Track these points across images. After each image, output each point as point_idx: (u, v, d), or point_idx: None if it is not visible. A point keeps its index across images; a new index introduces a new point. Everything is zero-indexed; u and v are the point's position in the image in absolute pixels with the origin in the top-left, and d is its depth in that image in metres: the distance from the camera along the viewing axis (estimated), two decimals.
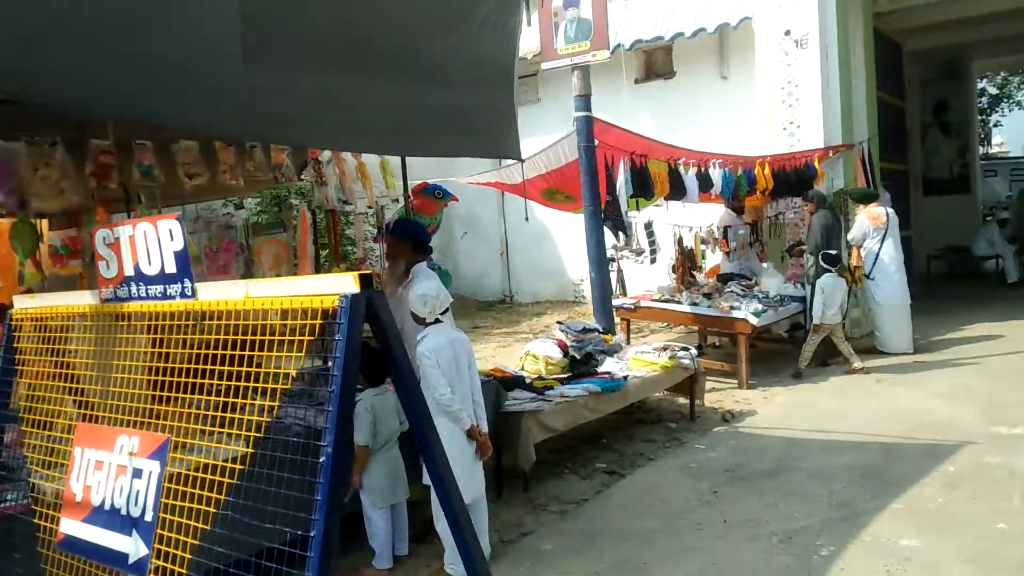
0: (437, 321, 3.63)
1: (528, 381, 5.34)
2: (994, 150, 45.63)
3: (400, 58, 3.31)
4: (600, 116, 11.98)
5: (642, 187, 6.79)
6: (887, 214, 7.91)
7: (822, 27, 8.93)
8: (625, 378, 5.45)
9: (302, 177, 4.90)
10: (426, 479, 3.15)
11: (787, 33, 9.07)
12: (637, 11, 11.58)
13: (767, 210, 9.38)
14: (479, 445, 3.68)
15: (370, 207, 5.28)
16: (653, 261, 7.80)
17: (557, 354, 5.82)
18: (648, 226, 7.69)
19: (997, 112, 30.87)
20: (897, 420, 5.80)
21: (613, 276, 10.41)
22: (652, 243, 7.67)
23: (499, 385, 4.75)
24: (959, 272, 13.46)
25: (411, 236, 4.19)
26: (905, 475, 4.66)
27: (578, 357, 6.01)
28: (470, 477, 3.59)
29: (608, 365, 5.91)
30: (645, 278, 9.17)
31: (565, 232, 11.70)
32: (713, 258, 9.26)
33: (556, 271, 12.99)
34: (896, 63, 12.26)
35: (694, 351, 6.10)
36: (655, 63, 11.94)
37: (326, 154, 4.96)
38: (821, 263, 7.17)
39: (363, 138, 3.53)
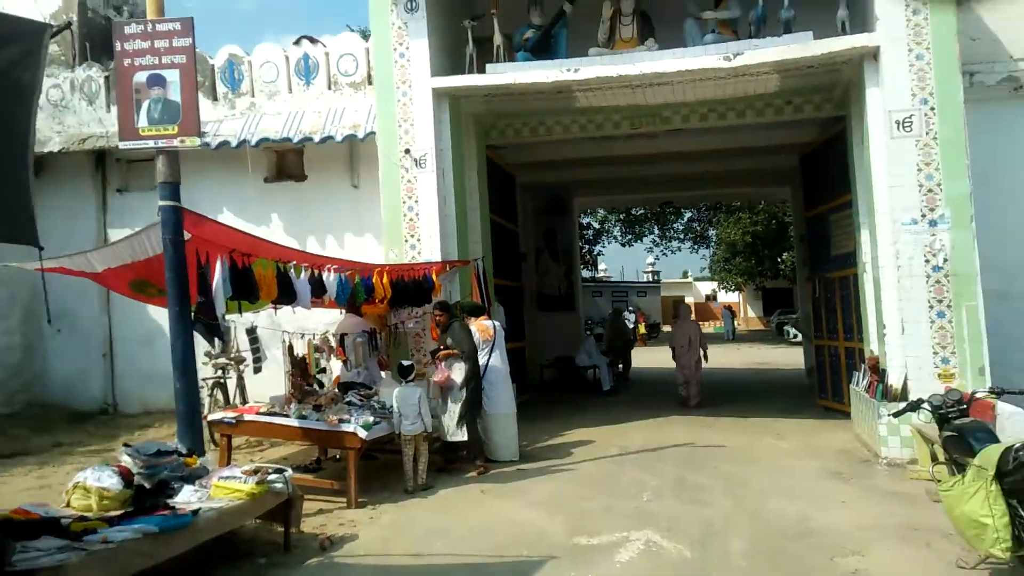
0: None
1: (66, 523, 4.26)
2: (600, 274, 53.15)
3: None
4: (226, 213, 11.42)
5: (245, 289, 6.22)
6: (494, 327, 8.28)
7: (438, 150, 9.41)
8: (196, 512, 4.64)
9: None
10: None
11: (407, 151, 9.38)
12: (269, 107, 11.26)
13: (390, 318, 9.36)
14: None
15: None
16: (257, 370, 7.16)
17: (116, 485, 4.82)
18: (251, 332, 7.07)
19: (600, 243, 36.14)
20: (493, 535, 5.78)
21: (232, 383, 9.55)
22: (256, 350, 7.04)
23: (3, 537, 3.63)
24: (566, 380, 14.86)
25: None
26: None
27: (148, 487, 5.06)
28: None
29: (185, 495, 5.05)
30: (273, 386, 8.46)
31: None
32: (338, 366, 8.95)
33: (171, 376, 11.52)
34: (511, 192, 13.53)
35: (289, 472, 5.51)
36: (287, 164, 11.61)
37: None
38: (395, 373, 7.25)
39: None
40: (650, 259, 51.22)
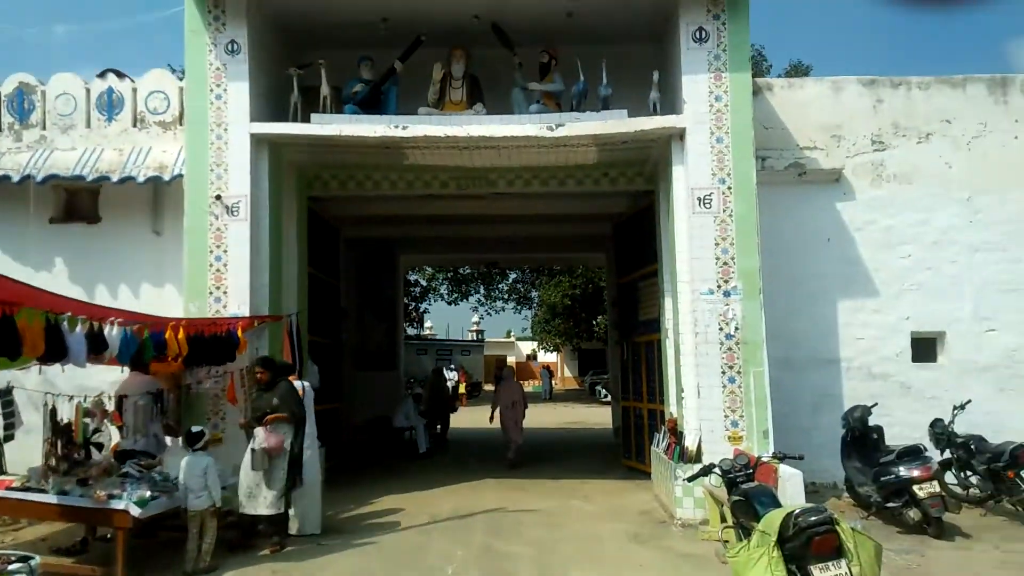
0: None
1: None
2: (426, 332, 52.90)
3: None
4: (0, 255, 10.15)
5: (5, 344, 5.42)
6: (303, 388, 7.82)
7: (254, 198, 8.95)
8: None
9: None
10: None
11: (218, 197, 8.84)
12: (63, 142, 10.24)
13: (186, 377, 8.61)
14: None
15: None
16: (8, 438, 6.25)
17: None
18: (5, 393, 6.18)
19: (426, 301, 36.05)
20: None
21: None
22: (9, 415, 6.16)
23: None
24: (383, 442, 14.36)
25: None
26: None
27: None
28: None
29: None
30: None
31: None
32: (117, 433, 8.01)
33: None
34: (334, 246, 13.12)
35: (37, 560, 4.76)
36: (79, 204, 10.53)
37: None
38: (183, 442, 6.63)
39: None
40: (475, 318, 51.82)
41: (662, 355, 9.94)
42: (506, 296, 37.47)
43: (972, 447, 8.53)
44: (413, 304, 35.28)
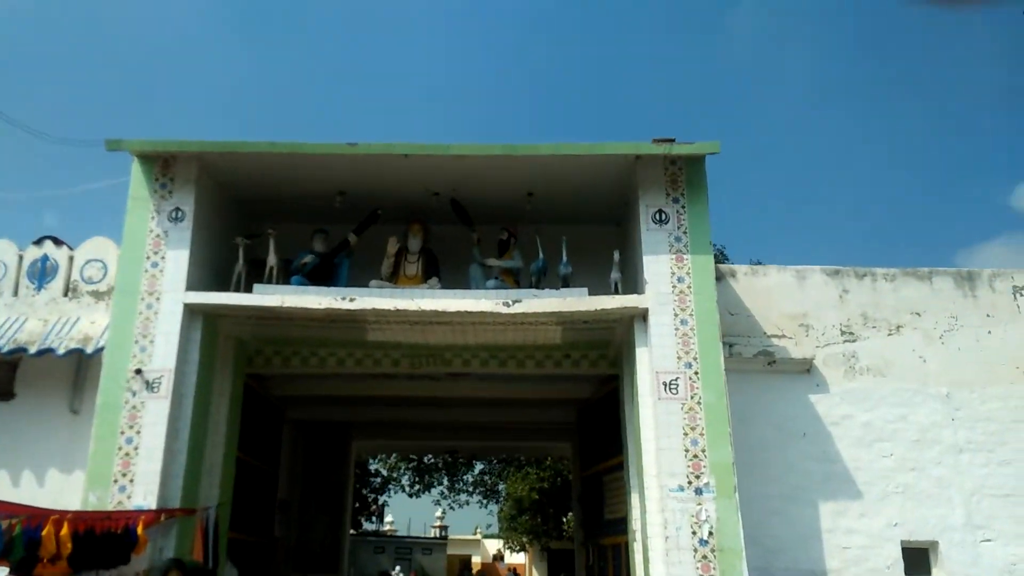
0: None
1: None
2: (386, 527, 49.87)
3: None
4: None
5: None
6: None
7: (180, 373, 8.17)
8: None
9: None
10: None
11: (138, 371, 8.04)
12: None
13: None
14: None
15: None
16: None
17: None
18: None
19: (387, 493, 34.01)
20: None
21: None
22: None
23: None
24: None
25: None
26: None
27: None
28: None
29: None
30: None
31: None
32: None
33: None
34: (275, 428, 12.13)
35: None
36: None
37: None
38: None
39: None
40: (439, 512, 49.12)
41: (630, 561, 8.83)
42: (471, 489, 35.58)
43: None
44: (373, 496, 33.23)
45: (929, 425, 9.04)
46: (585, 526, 11.80)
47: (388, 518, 48.25)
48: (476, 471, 34.81)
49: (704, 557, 7.34)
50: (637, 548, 8.54)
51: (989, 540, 8.78)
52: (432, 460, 32.43)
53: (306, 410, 13.56)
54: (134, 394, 8.00)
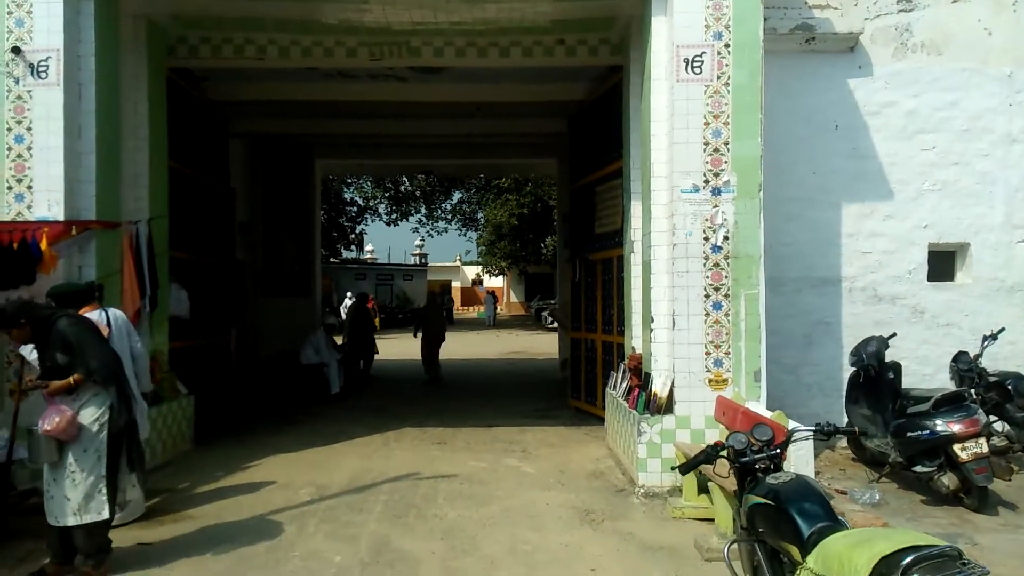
0: None
1: None
2: (367, 255, 50.36)
3: None
4: None
5: None
6: (111, 320, 5.42)
7: (73, 56, 6.42)
8: None
9: None
10: None
11: (16, 50, 6.29)
12: None
13: None
14: None
15: None
16: None
17: None
18: None
19: (363, 222, 33.36)
20: None
21: None
22: None
23: None
24: (290, 381, 12.06)
25: None
26: None
27: None
28: None
29: None
30: None
31: None
32: None
33: None
34: (220, 141, 10.57)
35: None
36: None
37: None
38: None
39: None
40: (418, 240, 49.39)
41: (624, 275, 7.90)
42: (449, 217, 35.04)
43: (1009, 387, 6.78)
44: (350, 225, 32.68)
45: (982, 112, 7.70)
46: (572, 243, 10.85)
47: (368, 247, 48.53)
48: (455, 199, 34.02)
49: (716, 265, 6.31)
50: (634, 260, 7.56)
51: None
52: (409, 188, 31.43)
53: (257, 122, 11.93)
54: (17, 81, 6.32)
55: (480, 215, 36.17)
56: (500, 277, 46.47)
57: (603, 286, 9.17)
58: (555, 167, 14.47)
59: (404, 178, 30.26)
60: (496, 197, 33.41)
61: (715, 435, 6.12)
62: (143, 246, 7.25)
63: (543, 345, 21.11)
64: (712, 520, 5.36)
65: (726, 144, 6.30)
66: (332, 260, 35.10)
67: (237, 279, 11.75)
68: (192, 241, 9.08)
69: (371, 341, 13.50)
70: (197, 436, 8.07)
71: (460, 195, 33.50)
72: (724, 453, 3.42)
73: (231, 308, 10.77)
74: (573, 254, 10.50)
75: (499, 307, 42.52)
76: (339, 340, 13.00)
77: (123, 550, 4.90)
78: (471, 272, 53.27)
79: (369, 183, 30.18)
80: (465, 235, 38.27)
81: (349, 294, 25.65)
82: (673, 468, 3.75)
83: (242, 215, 12.85)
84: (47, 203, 6.30)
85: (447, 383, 13.16)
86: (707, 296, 6.31)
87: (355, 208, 32.36)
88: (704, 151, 6.29)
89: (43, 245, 5.90)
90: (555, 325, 19.27)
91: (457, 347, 21.99)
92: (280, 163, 13.77)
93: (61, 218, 6.25)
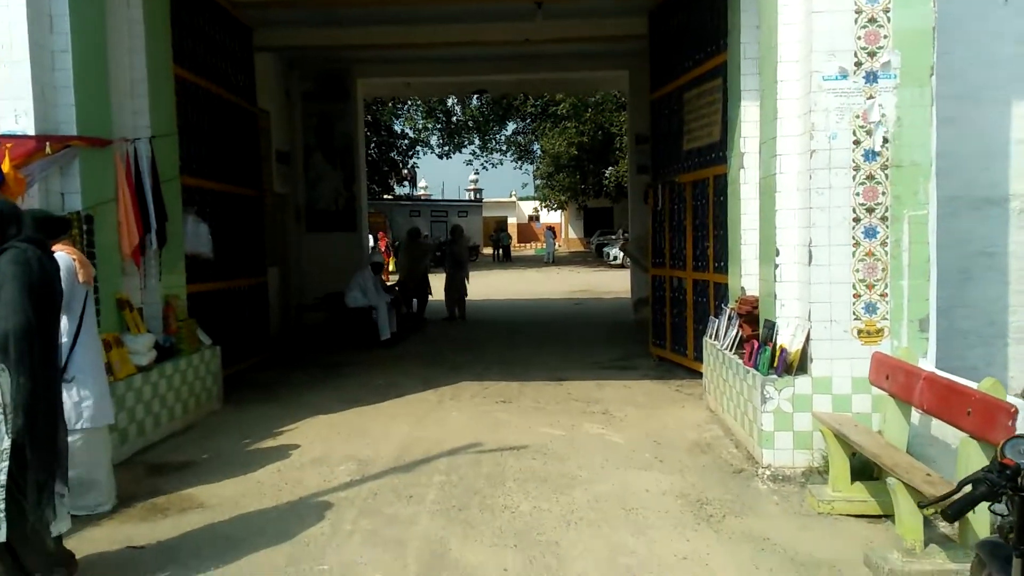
0: None
1: None
2: (420, 191, 49.19)
3: None
4: None
5: None
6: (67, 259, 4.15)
7: None
8: None
9: None
10: None
11: None
12: None
13: None
14: None
15: None
16: None
17: None
18: None
19: (414, 155, 31.96)
20: None
21: None
22: None
23: None
24: (337, 325, 10.92)
25: None
26: None
27: None
28: None
29: None
30: None
31: None
32: None
33: None
34: (243, 51, 9.21)
35: None
36: None
37: None
38: None
39: None
40: (472, 175, 47.91)
41: (730, 198, 6.36)
42: (504, 148, 33.38)
43: None
44: (402, 159, 31.35)
45: None
46: (653, 165, 9.26)
47: (422, 183, 47.25)
48: (509, 130, 32.30)
49: (870, 178, 4.74)
50: (744, 178, 6.02)
51: None
52: (461, 118, 29.81)
53: (288, 32, 10.50)
54: None
55: (536, 146, 34.39)
56: (558, 212, 44.77)
57: (695, 213, 7.64)
58: (626, 81, 12.70)
59: (456, 107, 28.64)
60: (553, 126, 31.51)
61: (867, 402, 4.68)
62: (145, 170, 6.02)
63: (607, 282, 19.66)
64: (877, 518, 3.99)
65: (886, 12, 4.65)
66: (385, 197, 33.98)
67: (274, 213, 10.55)
68: (213, 167, 7.84)
69: (424, 280, 12.24)
70: (227, 393, 6.98)
71: (515, 125, 31.77)
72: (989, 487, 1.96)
73: (267, 245, 9.59)
74: (655, 177, 8.93)
75: (558, 243, 41.03)
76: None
77: (106, 555, 3.79)
78: (527, 208, 51.63)
79: (420, 113, 28.66)
80: (521, 167, 36.66)
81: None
82: (922, 506, 2.33)
83: (279, 142, 11.61)
84: (13, 113, 5.06)
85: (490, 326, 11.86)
86: (857, 220, 4.76)
87: (406, 141, 30.92)
88: (856, 22, 4.65)
89: (4, 166, 4.71)
90: (618, 261, 17.74)
91: (517, 286, 20.67)
92: (317, 83, 12.40)
93: (31, 132, 5.02)
